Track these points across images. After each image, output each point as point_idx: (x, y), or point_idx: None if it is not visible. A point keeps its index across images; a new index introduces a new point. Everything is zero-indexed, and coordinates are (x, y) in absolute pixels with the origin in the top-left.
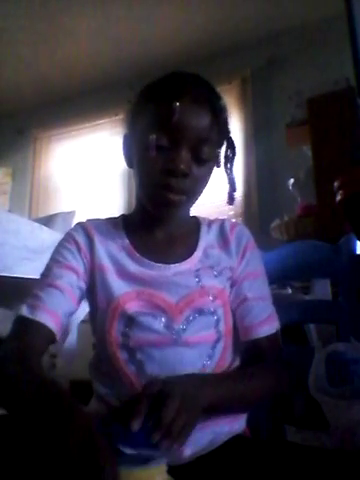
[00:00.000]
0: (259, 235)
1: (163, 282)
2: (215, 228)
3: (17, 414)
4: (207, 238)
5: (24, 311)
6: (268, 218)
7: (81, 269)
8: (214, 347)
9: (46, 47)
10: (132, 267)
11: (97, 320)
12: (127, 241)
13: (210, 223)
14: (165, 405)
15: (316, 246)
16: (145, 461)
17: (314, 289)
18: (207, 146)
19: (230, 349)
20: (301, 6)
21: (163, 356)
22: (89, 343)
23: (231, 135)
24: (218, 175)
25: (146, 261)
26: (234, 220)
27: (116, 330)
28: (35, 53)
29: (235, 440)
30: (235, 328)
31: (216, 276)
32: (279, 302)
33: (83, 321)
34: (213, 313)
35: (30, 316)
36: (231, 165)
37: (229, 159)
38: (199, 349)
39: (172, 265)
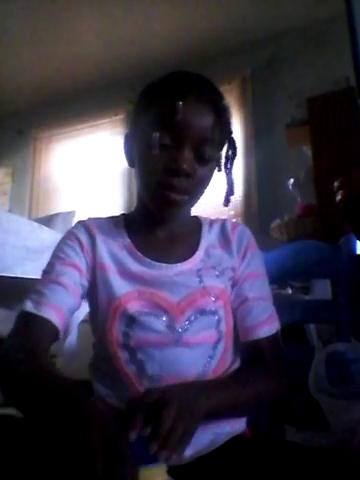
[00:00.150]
0: (259, 235)
1: (165, 282)
2: (216, 228)
3: (31, 414)
4: (208, 238)
5: (29, 306)
6: (268, 218)
7: (83, 267)
8: (215, 347)
9: (46, 47)
10: (134, 266)
11: (98, 319)
12: (128, 240)
13: (211, 223)
14: (162, 415)
15: (316, 246)
16: (145, 461)
17: (314, 289)
18: (210, 146)
19: (231, 349)
20: (301, 6)
21: (164, 356)
22: (89, 343)
23: (233, 135)
24: (218, 175)
25: (147, 260)
26: (234, 220)
27: (117, 330)
28: (35, 53)
29: (235, 440)
30: (235, 328)
31: (218, 276)
32: (279, 302)
33: (83, 321)
34: (214, 313)
35: (35, 311)
36: (231, 166)
37: (229, 160)
38: (200, 349)
39: (174, 265)
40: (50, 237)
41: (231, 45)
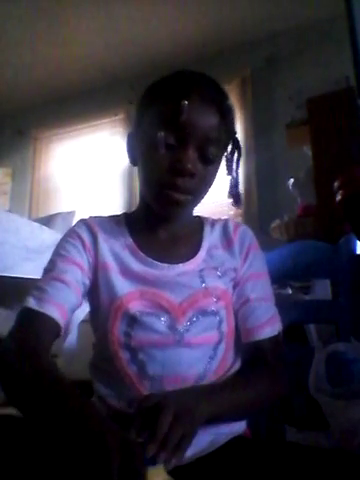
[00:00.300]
0: (259, 235)
1: (167, 282)
2: (218, 228)
3: (31, 413)
4: (210, 238)
5: (31, 303)
6: (268, 218)
7: (85, 265)
8: (216, 348)
9: (46, 47)
10: (136, 266)
11: (98, 319)
12: (130, 240)
13: (213, 223)
14: (159, 418)
15: (316, 246)
16: (145, 462)
17: (314, 289)
18: (214, 146)
19: (232, 350)
20: (301, 6)
21: (165, 357)
22: (89, 343)
23: (237, 136)
24: (219, 175)
25: (150, 260)
26: (234, 220)
27: (118, 330)
28: (35, 53)
29: (236, 441)
30: (237, 329)
31: (220, 277)
32: (279, 302)
33: (83, 321)
34: (216, 314)
35: (37, 308)
36: (237, 166)
37: (234, 160)
38: (201, 350)
39: (176, 265)
40: (50, 237)
41: (231, 45)
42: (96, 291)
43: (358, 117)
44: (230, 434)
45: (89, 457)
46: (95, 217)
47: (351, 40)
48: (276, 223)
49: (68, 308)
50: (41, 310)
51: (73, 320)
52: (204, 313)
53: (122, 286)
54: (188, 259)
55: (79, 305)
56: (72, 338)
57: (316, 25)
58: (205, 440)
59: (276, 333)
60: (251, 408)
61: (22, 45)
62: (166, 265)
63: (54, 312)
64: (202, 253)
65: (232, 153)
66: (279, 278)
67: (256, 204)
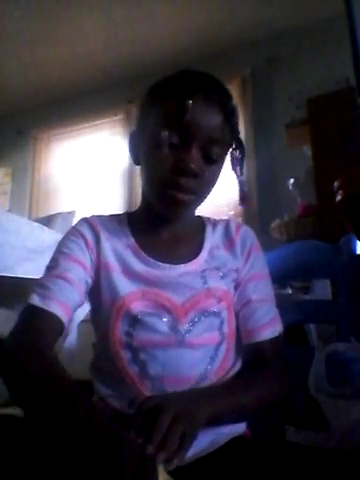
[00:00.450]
0: (259, 235)
1: (169, 282)
2: (220, 229)
3: (35, 412)
4: (212, 239)
5: (35, 300)
6: (268, 218)
7: (88, 264)
8: (217, 349)
9: (46, 47)
10: (138, 266)
11: (100, 318)
12: (132, 239)
13: (215, 223)
14: (158, 419)
15: (316, 246)
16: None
17: (314, 289)
18: (218, 146)
19: (233, 351)
20: (301, 6)
21: (166, 357)
22: (89, 343)
23: (240, 136)
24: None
25: (152, 261)
26: (236, 220)
27: (120, 329)
28: (35, 53)
29: (236, 441)
30: (238, 330)
31: (222, 278)
32: (279, 302)
33: (83, 321)
34: (218, 315)
35: (41, 305)
36: (241, 166)
37: (238, 160)
38: (202, 351)
39: (178, 265)
40: (50, 237)
41: (231, 45)
42: (98, 290)
43: (358, 117)
44: (230, 434)
45: (101, 466)
46: (97, 216)
47: (351, 40)
48: (276, 223)
49: (71, 306)
50: (45, 307)
51: (73, 320)
52: (206, 314)
53: (124, 286)
54: (190, 259)
55: (82, 303)
56: (72, 338)
57: (316, 25)
58: (205, 440)
59: (277, 334)
60: (252, 410)
61: (22, 45)
62: (168, 265)
63: (58, 309)
64: (204, 254)
65: (235, 153)
66: (279, 278)
67: (256, 204)
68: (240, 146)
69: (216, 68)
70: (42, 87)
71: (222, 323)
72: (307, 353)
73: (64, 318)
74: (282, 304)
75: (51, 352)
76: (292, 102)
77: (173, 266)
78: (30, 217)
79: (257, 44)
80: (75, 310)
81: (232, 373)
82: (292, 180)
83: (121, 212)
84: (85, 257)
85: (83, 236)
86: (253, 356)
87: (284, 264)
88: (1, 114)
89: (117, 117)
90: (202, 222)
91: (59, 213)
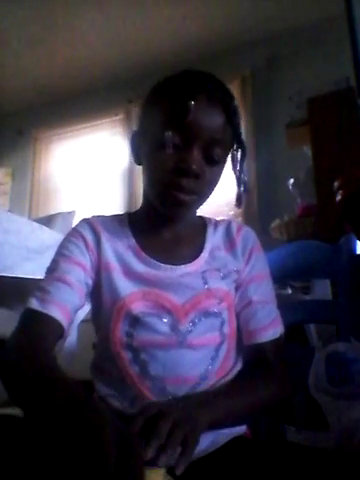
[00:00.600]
0: (259, 235)
1: (170, 283)
2: (221, 229)
3: (34, 413)
4: (213, 239)
5: (34, 304)
6: (268, 218)
7: (88, 265)
8: (218, 349)
9: (46, 47)
10: (138, 267)
11: (101, 319)
12: (133, 240)
13: (216, 224)
14: (158, 424)
15: (316, 246)
16: (145, 462)
17: (314, 289)
18: (219, 147)
19: (233, 351)
20: (301, 6)
21: (167, 357)
22: (89, 343)
23: (242, 137)
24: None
25: (153, 261)
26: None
27: (120, 330)
28: (35, 53)
29: (236, 441)
30: (238, 330)
31: (223, 278)
32: (279, 302)
33: (83, 321)
34: (218, 315)
35: (40, 309)
36: (242, 167)
37: (239, 160)
38: (203, 351)
39: (179, 266)
40: (50, 237)
41: (231, 45)
42: (98, 291)
43: (358, 117)
44: (230, 434)
45: (87, 450)
46: (98, 216)
47: (351, 40)
48: (276, 223)
49: (71, 309)
50: (44, 311)
51: (73, 320)
52: (206, 314)
53: (125, 287)
54: (191, 260)
55: (82, 306)
56: (72, 338)
57: (316, 25)
58: (206, 440)
59: (278, 335)
60: (254, 412)
61: (22, 45)
62: (169, 266)
63: (57, 313)
64: (205, 254)
65: (236, 154)
66: (279, 278)
67: (256, 204)
68: (241, 147)
69: (216, 68)
70: (42, 87)
71: (223, 323)
72: (307, 353)
73: (64, 321)
74: (282, 304)
75: (50, 355)
76: (292, 102)
77: (174, 267)
78: (30, 217)
79: (257, 44)
80: (75, 313)
81: (233, 373)
82: (292, 180)
83: (122, 212)
84: (85, 259)
85: (83, 237)
86: (254, 357)
87: (284, 264)
88: (1, 114)
89: (117, 117)
90: (203, 222)
91: (59, 213)
